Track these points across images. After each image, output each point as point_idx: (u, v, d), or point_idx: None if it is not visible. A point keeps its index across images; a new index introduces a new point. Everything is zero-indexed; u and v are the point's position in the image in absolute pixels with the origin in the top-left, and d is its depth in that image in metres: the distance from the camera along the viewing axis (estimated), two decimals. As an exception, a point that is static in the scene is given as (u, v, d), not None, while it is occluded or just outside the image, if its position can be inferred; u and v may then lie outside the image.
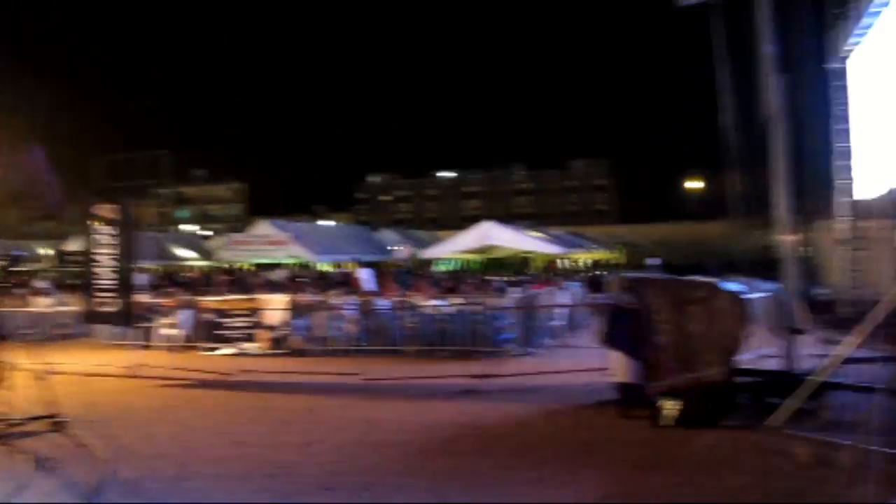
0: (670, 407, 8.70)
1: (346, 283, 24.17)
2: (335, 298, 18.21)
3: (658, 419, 8.75)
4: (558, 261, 37.71)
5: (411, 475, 7.30)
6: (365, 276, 22.05)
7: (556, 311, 18.39)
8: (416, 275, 27.30)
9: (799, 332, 9.82)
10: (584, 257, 42.77)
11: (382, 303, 17.64)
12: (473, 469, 7.45)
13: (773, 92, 10.51)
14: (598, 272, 33.74)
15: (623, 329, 9.39)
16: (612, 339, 9.61)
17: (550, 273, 32.79)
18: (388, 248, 41.56)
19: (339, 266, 37.60)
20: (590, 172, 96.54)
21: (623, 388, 9.46)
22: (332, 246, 38.51)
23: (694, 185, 50.49)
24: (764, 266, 12.67)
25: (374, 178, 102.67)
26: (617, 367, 9.56)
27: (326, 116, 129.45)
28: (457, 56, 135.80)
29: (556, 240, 36.34)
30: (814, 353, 9.85)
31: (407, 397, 11.33)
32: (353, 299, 18.03)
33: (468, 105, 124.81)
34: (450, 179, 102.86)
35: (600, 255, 44.80)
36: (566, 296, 20.85)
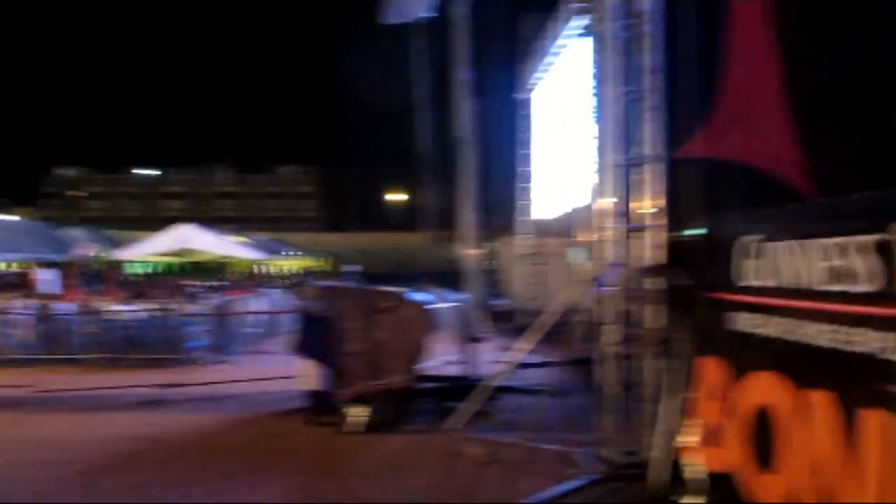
0: (357, 413, 8.91)
1: (22, 284, 22.06)
2: (7, 301, 16.49)
3: (345, 426, 8.92)
4: (260, 267, 37.22)
5: (83, 495, 6.78)
6: (45, 277, 20.24)
7: (253, 317, 18.11)
8: (105, 277, 25.52)
9: (478, 340, 10.54)
10: (287, 264, 42.61)
11: (64, 307, 16.24)
12: (151, 484, 7.08)
13: (464, 114, 11.17)
14: (303, 279, 33.75)
15: (314, 337, 9.46)
16: (303, 346, 9.65)
17: (251, 279, 32.28)
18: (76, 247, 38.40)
19: (12, 265, 34.06)
20: (297, 179, 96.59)
21: (313, 395, 9.52)
22: (6, 243, 34.76)
23: (397, 196, 52.34)
24: (452, 277, 13.44)
25: (64, 172, 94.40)
26: (308, 374, 9.60)
27: (11, 100, 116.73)
28: (162, 50, 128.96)
29: (259, 245, 35.88)
30: (493, 359, 10.60)
31: (86, 410, 10.49)
32: (29, 302, 16.44)
33: (172, 101, 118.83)
34: (150, 178, 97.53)
35: (304, 262, 44.89)
36: (264, 302, 20.60)
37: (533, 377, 9.65)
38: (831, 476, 3.87)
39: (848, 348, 3.83)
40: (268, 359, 14.59)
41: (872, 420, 3.59)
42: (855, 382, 3.73)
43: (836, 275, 3.93)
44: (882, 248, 3.59)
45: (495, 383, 8.86)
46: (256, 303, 19.91)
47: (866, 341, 3.69)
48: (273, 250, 38.85)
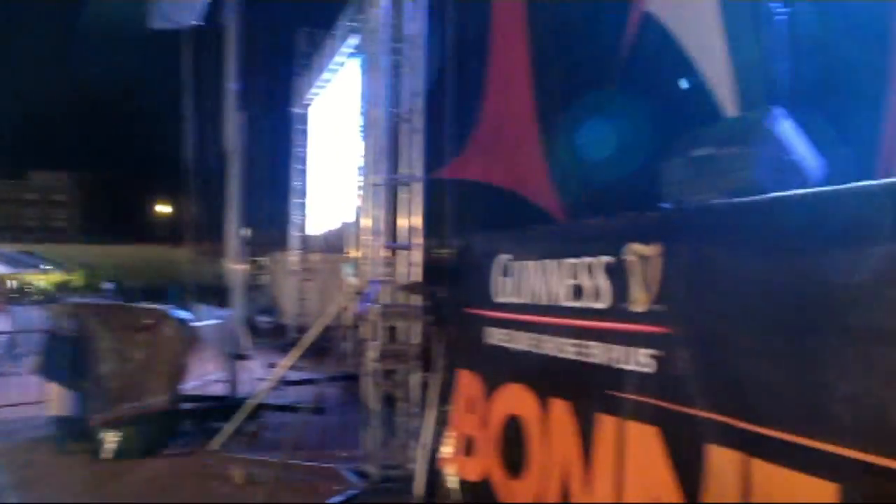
0: (112, 439, 8.37)
1: None
2: None
3: (100, 452, 8.35)
4: (7, 281, 34.16)
5: None
6: None
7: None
8: None
9: (244, 357, 10.30)
10: (39, 278, 39.38)
11: None
12: None
13: (233, 126, 10.93)
14: (56, 295, 31.30)
15: (64, 358, 8.79)
16: (52, 368, 8.94)
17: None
18: None
19: None
20: (51, 186, 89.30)
21: (62, 421, 8.82)
22: None
23: (162, 208, 50.04)
24: (217, 293, 13.05)
25: None
26: (56, 399, 8.90)
27: None
28: None
29: (6, 258, 32.92)
30: (258, 377, 10.39)
31: None
32: None
33: None
34: None
35: (59, 276, 41.72)
36: (9, 321, 18.84)
37: (298, 394, 9.57)
38: (572, 477, 4.16)
39: (586, 360, 4.15)
40: (11, 383, 13.34)
41: (606, 424, 3.91)
42: (592, 391, 4.04)
43: (578, 292, 4.24)
44: (614, 269, 3.93)
45: (259, 402, 8.70)
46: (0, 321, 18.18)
47: (601, 353, 4.02)
48: (23, 263, 35.78)
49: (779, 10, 5.27)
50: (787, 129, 4.10)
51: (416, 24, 7.23)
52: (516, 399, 4.85)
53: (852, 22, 5.39)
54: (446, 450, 5.89)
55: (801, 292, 2.89)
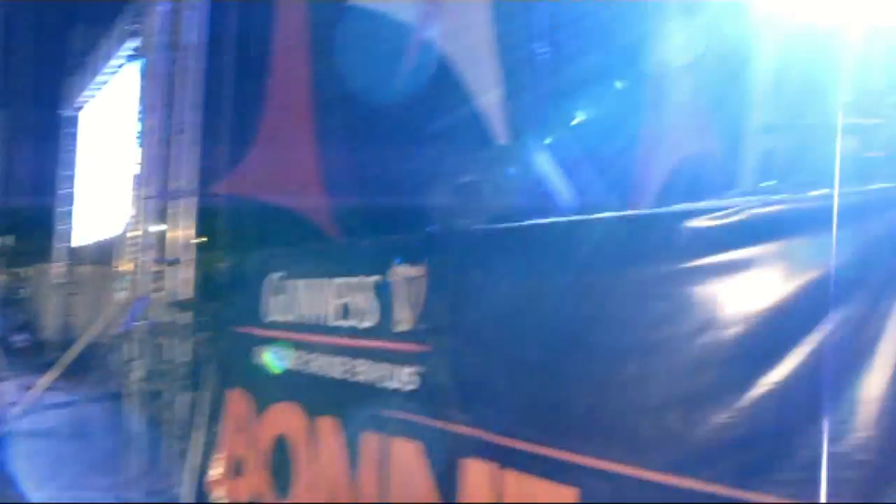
0: None
1: None
2: None
3: None
4: None
5: None
6: None
7: None
8: None
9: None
10: None
11: None
12: None
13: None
14: None
15: None
16: None
17: None
18: None
19: None
20: None
21: None
22: None
23: None
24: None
25: None
26: None
27: None
28: None
29: None
30: (11, 400, 9.57)
31: None
32: None
33: None
34: None
35: None
36: None
37: (56, 418, 8.91)
38: (338, 495, 4.20)
39: (354, 378, 4.21)
40: None
41: (371, 443, 3.98)
42: (358, 409, 4.10)
43: (347, 311, 4.30)
44: (381, 289, 4.03)
45: (8, 427, 8.02)
46: None
47: (367, 371, 4.09)
48: None
49: (542, 48, 5.65)
50: (544, 161, 4.41)
51: (195, 34, 7.04)
52: (286, 418, 4.82)
53: (611, 60, 5.84)
54: (215, 472, 5.75)
55: (548, 313, 3.11)
